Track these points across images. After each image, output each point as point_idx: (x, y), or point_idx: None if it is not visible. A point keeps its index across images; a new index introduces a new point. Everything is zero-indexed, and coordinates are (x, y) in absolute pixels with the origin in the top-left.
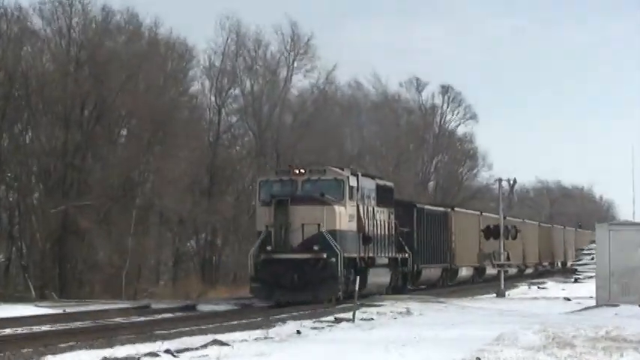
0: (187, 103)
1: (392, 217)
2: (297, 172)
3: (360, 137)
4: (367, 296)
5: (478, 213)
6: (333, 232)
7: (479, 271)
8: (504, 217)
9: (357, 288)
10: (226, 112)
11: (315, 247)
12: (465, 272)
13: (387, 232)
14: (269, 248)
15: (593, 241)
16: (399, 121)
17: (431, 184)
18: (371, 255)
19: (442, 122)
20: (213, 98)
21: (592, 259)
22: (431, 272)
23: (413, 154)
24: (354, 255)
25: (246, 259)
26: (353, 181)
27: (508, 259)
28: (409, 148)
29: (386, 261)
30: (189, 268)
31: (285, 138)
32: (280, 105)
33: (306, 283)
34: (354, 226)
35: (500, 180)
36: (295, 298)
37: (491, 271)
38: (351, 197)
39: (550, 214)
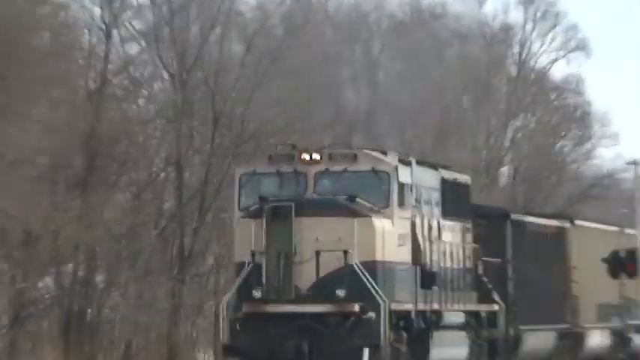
0: (49, 18)
1: (468, 236)
2: (308, 157)
3: (373, 84)
4: None
5: (616, 229)
6: (372, 266)
7: (619, 337)
8: None
9: None
10: (121, 36)
11: (340, 293)
12: (596, 340)
13: (461, 265)
14: (257, 294)
15: None
16: (444, 54)
17: (505, 169)
18: (436, 307)
19: (524, 56)
20: (98, 12)
21: None
22: (538, 340)
23: (469, 115)
24: (408, 306)
25: (151, 314)
26: (405, 175)
27: None
28: (462, 105)
29: (461, 319)
30: (41, 328)
31: (230, 84)
32: (223, 23)
33: (325, 357)
34: (406, 253)
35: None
36: None
37: None
38: (402, 203)
39: None
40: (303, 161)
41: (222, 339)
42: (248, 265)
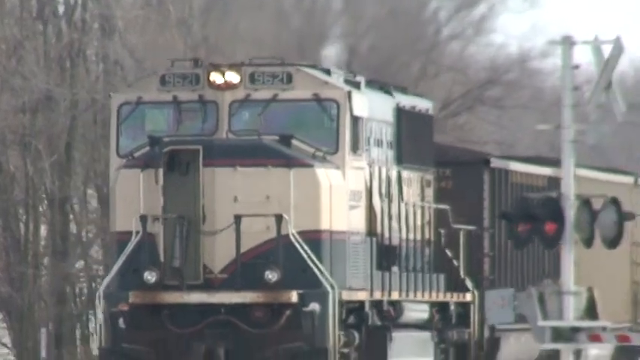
0: None
1: (429, 192)
2: (220, 78)
3: None
4: None
5: (630, 180)
6: (316, 237)
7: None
8: None
9: None
10: None
11: (270, 276)
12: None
13: (420, 236)
14: (150, 278)
15: None
16: None
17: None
18: (396, 296)
19: None
20: None
21: None
22: (520, 345)
23: None
24: (362, 295)
25: None
26: (360, 105)
27: None
28: None
29: (426, 314)
30: None
31: None
32: None
33: None
34: (360, 220)
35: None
36: None
37: None
38: (355, 147)
39: None
40: (213, 84)
41: (101, 341)
42: (136, 237)
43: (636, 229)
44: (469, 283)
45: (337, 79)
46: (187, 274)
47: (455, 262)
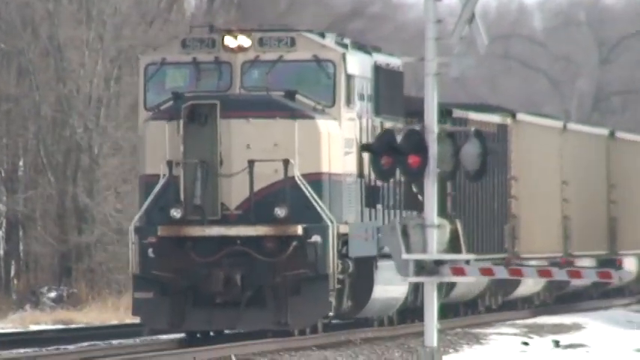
0: None
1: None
2: (234, 42)
3: None
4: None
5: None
6: (317, 179)
7: None
8: None
9: None
10: None
11: (279, 212)
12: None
13: (397, 177)
14: (175, 214)
15: None
16: None
17: None
18: None
19: None
20: None
21: None
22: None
23: None
24: None
25: None
26: (353, 64)
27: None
28: None
29: None
30: None
31: None
32: None
33: (259, 291)
34: (353, 164)
35: None
36: (233, 325)
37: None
38: (349, 101)
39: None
40: (227, 47)
41: (132, 269)
42: (162, 179)
43: (565, 168)
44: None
45: (330, 41)
46: (207, 211)
47: (422, 201)
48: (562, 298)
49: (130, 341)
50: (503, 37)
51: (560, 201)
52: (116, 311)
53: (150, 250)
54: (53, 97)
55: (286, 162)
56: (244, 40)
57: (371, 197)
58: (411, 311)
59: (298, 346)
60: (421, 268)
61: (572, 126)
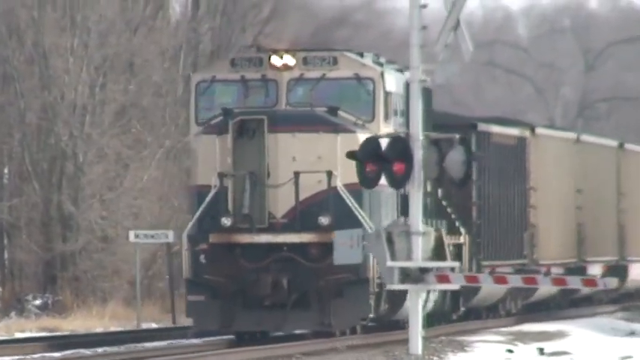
0: None
1: None
2: (280, 61)
3: None
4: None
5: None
6: (358, 189)
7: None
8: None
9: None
10: None
11: (323, 220)
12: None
13: (427, 188)
14: (226, 222)
15: None
16: None
17: None
18: None
19: None
20: None
21: None
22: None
23: None
24: None
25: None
26: (391, 82)
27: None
28: None
29: None
30: None
31: None
32: None
33: (304, 294)
34: None
35: None
36: (280, 326)
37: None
38: (387, 116)
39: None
40: (274, 66)
41: (185, 273)
42: (213, 189)
43: (579, 177)
44: (461, 228)
45: (369, 60)
46: (255, 219)
47: (449, 210)
48: (529, 308)
49: (114, 349)
50: (487, 44)
51: (575, 209)
52: (101, 319)
53: (202, 256)
54: (38, 104)
55: (329, 173)
56: (289, 59)
57: (406, 206)
58: (439, 314)
59: (283, 354)
60: (406, 275)
61: (585, 137)
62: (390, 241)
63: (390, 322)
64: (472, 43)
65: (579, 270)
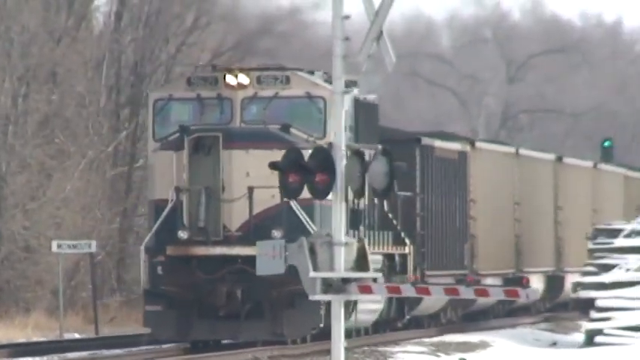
0: None
1: None
2: (234, 80)
3: None
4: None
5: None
6: (309, 204)
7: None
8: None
9: None
10: None
11: (276, 234)
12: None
13: (374, 201)
14: (183, 235)
15: None
16: None
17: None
18: None
19: None
20: None
21: None
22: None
23: None
24: None
25: None
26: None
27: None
28: None
29: (379, 263)
30: None
31: None
32: None
33: (258, 304)
34: None
35: None
36: (234, 335)
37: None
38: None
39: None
40: (228, 85)
41: (143, 284)
42: (170, 203)
43: (518, 190)
44: (406, 239)
45: (319, 79)
46: (211, 232)
47: (395, 222)
48: (469, 316)
49: (37, 359)
50: (410, 55)
51: (513, 221)
52: (24, 329)
53: (159, 268)
54: None
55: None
56: (244, 79)
57: (354, 219)
58: (384, 322)
59: None
60: (328, 286)
61: (524, 152)
62: (312, 251)
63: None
64: (395, 54)
65: (517, 280)
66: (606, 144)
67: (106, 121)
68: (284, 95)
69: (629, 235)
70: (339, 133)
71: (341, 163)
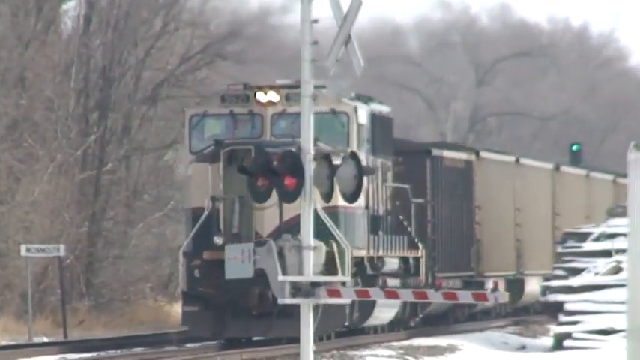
0: None
1: (389, 176)
2: (265, 97)
3: None
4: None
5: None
6: (334, 211)
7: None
8: None
9: None
10: None
11: None
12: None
13: (389, 207)
14: (217, 240)
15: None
16: None
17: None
18: (381, 253)
19: None
20: None
21: (618, 265)
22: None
23: None
24: (363, 252)
25: None
26: (362, 115)
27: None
28: None
29: (396, 265)
30: None
31: None
32: None
33: (288, 304)
34: (361, 198)
35: None
36: (266, 333)
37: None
38: (360, 145)
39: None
40: (259, 102)
41: (181, 286)
42: (206, 211)
43: (518, 197)
44: (419, 243)
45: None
46: (244, 238)
47: (408, 228)
48: (425, 321)
49: None
50: (378, 59)
51: (514, 226)
52: None
53: (196, 271)
54: None
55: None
56: (273, 96)
57: (374, 225)
58: (399, 322)
59: None
60: (297, 289)
61: (524, 160)
62: (281, 255)
63: (361, 329)
64: (363, 58)
65: (518, 281)
66: (575, 148)
67: (75, 125)
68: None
69: (597, 239)
70: (306, 139)
71: (309, 167)
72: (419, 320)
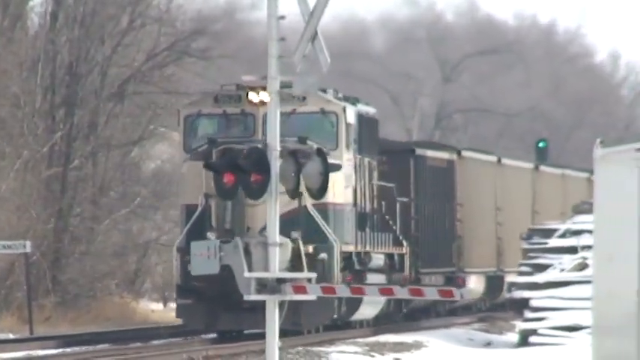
0: None
1: (375, 174)
2: (257, 96)
3: None
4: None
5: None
6: (324, 208)
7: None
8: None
9: None
10: None
11: (294, 234)
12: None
13: (374, 205)
14: (210, 235)
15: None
16: None
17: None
18: (368, 249)
19: None
20: None
21: (584, 262)
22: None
23: None
24: (351, 248)
25: None
26: (351, 115)
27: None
28: None
29: (382, 261)
30: None
31: None
32: None
33: None
34: (350, 195)
35: None
36: (256, 325)
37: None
38: (348, 145)
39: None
40: (251, 102)
41: (175, 280)
42: (200, 207)
43: (499, 196)
44: (404, 240)
45: (331, 96)
46: (236, 233)
47: (393, 226)
48: (408, 316)
49: None
50: (344, 55)
51: (495, 224)
52: None
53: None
54: None
55: (300, 194)
56: (265, 96)
57: (362, 222)
58: (385, 316)
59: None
60: (263, 286)
61: (505, 160)
62: (247, 252)
63: (347, 322)
64: (329, 55)
65: (498, 278)
66: (541, 144)
67: (42, 122)
68: (301, 111)
69: (563, 235)
70: (273, 135)
71: (275, 163)
72: (402, 316)
